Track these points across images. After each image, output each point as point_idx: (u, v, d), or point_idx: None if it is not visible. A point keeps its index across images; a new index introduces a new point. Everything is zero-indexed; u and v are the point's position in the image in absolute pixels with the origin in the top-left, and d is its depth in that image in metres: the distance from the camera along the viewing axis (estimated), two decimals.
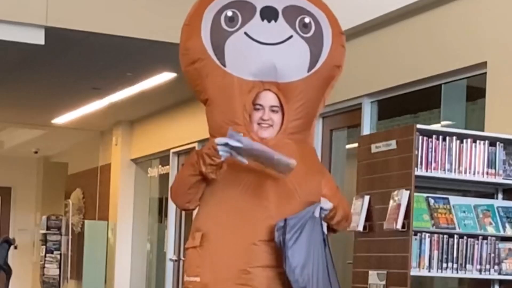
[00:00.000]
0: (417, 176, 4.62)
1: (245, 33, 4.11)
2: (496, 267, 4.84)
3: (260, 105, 4.06)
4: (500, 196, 5.06)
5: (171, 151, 10.71)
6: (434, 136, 4.73)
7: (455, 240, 4.73)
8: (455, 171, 4.76)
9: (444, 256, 4.71)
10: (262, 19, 4.13)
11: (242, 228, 3.88)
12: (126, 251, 12.00)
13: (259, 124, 4.05)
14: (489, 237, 4.82)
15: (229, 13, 4.14)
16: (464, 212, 4.79)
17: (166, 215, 11.01)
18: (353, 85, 6.54)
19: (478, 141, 4.82)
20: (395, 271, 4.63)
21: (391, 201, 4.67)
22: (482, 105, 5.41)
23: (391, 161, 4.75)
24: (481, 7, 5.45)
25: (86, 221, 12.96)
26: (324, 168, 4.22)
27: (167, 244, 10.65)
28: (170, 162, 10.75)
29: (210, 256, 3.91)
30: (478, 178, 4.83)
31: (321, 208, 3.89)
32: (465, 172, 4.79)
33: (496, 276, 4.87)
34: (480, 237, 4.80)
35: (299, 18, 4.18)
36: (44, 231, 14.12)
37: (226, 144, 3.82)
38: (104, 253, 12.31)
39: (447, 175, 4.75)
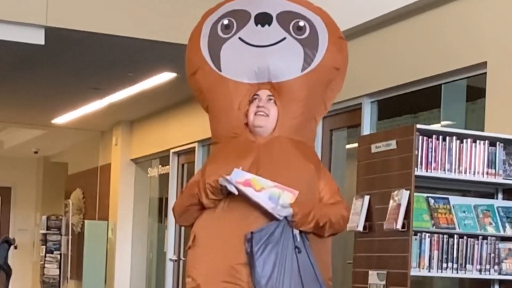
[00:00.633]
0: (417, 176, 4.62)
1: (239, 38, 4.23)
2: (496, 267, 4.84)
3: (257, 95, 4.15)
4: (500, 196, 5.06)
5: (171, 151, 10.71)
6: (434, 136, 4.73)
7: (455, 240, 4.73)
8: (455, 171, 4.76)
9: (444, 256, 4.71)
10: (256, 24, 4.24)
11: (229, 229, 3.94)
12: (126, 251, 12.00)
13: (255, 113, 4.12)
14: (489, 237, 4.82)
15: (225, 21, 4.29)
16: (464, 212, 4.79)
17: (166, 215, 11.01)
18: (353, 85, 6.53)
19: (478, 141, 4.81)
20: (395, 271, 4.63)
21: (391, 201, 4.67)
22: (482, 105, 5.41)
23: (391, 161, 4.75)
24: (481, 7, 5.45)
25: (86, 221, 12.96)
26: (323, 170, 4.19)
27: (167, 244, 10.65)
28: (170, 162, 10.75)
29: (199, 256, 3.99)
30: (478, 178, 4.83)
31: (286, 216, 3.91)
32: (465, 172, 4.78)
33: (496, 276, 4.87)
34: (480, 237, 4.80)
35: (293, 22, 4.25)
36: (44, 231, 14.12)
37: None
38: (104, 253, 12.31)
39: (447, 175, 4.75)
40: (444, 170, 4.74)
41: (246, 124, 4.16)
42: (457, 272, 4.74)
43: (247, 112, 4.14)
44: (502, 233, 4.85)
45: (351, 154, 6.83)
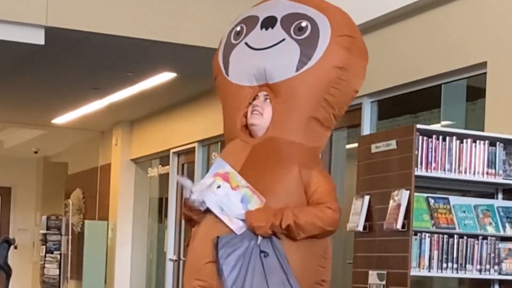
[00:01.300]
0: (417, 176, 4.62)
1: (245, 43, 4.33)
2: (496, 267, 4.84)
3: (257, 95, 4.22)
4: (500, 196, 5.06)
5: (171, 151, 10.71)
6: (434, 136, 4.73)
7: (455, 240, 4.73)
8: (455, 171, 4.76)
9: (444, 256, 4.71)
10: (261, 28, 4.32)
11: (205, 230, 4.03)
12: (126, 251, 12.00)
13: (252, 112, 4.19)
14: (489, 237, 4.82)
15: (238, 28, 4.41)
16: (464, 212, 4.79)
17: (166, 215, 11.01)
18: None
19: (478, 141, 4.81)
20: (395, 271, 4.63)
21: (391, 201, 4.67)
22: (482, 105, 5.41)
23: (391, 161, 4.75)
24: (481, 7, 5.45)
25: (86, 221, 12.96)
26: (316, 171, 4.13)
27: (167, 244, 10.65)
28: (170, 162, 10.75)
29: (186, 255, 4.17)
30: (478, 178, 4.82)
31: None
32: (465, 172, 4.78)
33: (496, 276, 4.87)
34: (480, 237, 4.80)
35: (296, 22, 4.27)
36: (44, 231, 14.12)
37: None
38: (104, 253, 12.31)
39: (447, 175, 4.75)
40: (444, 170, 4.73)
41: (246, 126, 4.23)
42: (457, 272, 4.74)
43: (246, 113, 4.22)
44: (502, 233, 4.85)
45: (351, 154, 6.83)
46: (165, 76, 8.92)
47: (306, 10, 4.31)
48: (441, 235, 4.70)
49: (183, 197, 4.12)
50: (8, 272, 9.68)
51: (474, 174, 4.80)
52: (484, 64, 5.34)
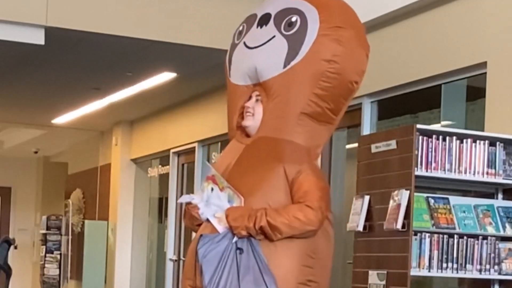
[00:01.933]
0: (417, 176, 4.62)
1: (244, 42, 4.34)
2: (496, 267, 4.84)
3: (250, 97, 4.23)
4: (500, 196, 5.06)
5: (171, 151, 10.71)
6: (434, 136, 4.73)
7: (455, 240, 4.73)
8: (455, 171, 4.76)
9: (444, 256, 4.71)
10: (257, 26, 4.31)
11: (203, 231, 4.07)
12: (126, 251, 12.00)
13: (244, 113, 4.22)
14: (489, 237, 4.82)
15: (240, 28, 4.42)
16: (464, 212, 4.79)
17: (166, 215, 11.01)
18: None
19: (478, 141, 4.81)
20: (395, 271, 4.63)
21: (391, 201, 4.67)
22: (482, 105, 5.41)
23: (391, 161, 4.75)
24: (481, 7, 5.45)
25: (86, 221, 12.96)
26: (305, 169, 4.04)
27: (167, 244, 10.65)
28: (170, 162, 10.75)
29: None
30: (478, 178, 4.82)
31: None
32: (465, 172, 4.78)
33: (496, 276, 4.87)
34: (480, 237, 4.80)
35: (286, 18, 4.22)
36: (44, 231, 14.11)
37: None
38: (104, 253, 12.31)
39: (447, 175, 4.75)
40: (444, 170, 4.73)
41: (240, 126, 4.26)
42: (457, 272, 4.74)
43: (242, 114, 4.25)
44: (502, 233, 4.85)
45: (351, 154, 6.83)
46: (165, 76, 8.92)
47: (299, 4, 4.22)
48: (441, 235, 4.70)
49: (186, 205, 4.18)
50: (8, 272, 9.68)
51: (474, 174, 4.80)
52: (484, 64, 5.34)
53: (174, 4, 7.28)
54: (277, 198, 3.98)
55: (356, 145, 5.28)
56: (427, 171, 4.69)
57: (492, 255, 4.82)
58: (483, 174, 4.82)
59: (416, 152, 4.65)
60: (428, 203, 4.71)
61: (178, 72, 8.67)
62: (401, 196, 4.59)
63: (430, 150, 4.70)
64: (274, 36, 4.19)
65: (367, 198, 4.88)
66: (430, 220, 4.68)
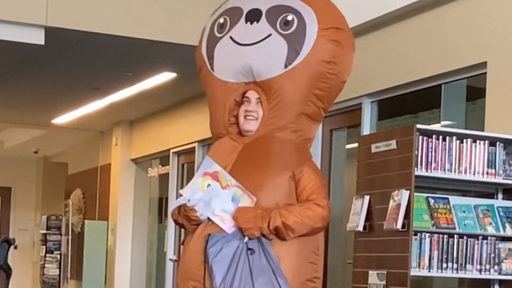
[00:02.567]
0: (417, 176, 4.62)
1: (230, 37, 4.23)
2: (496, 267, 4.83)
3: (247, 97, 4.16)
4: (500, 196, 5.06)
5: (171, 151, 10.71)
6: (434, 136, 4.72)
7: (455, 240, 4.73)
8: (455, 171, 4.76)
9: (444, 256, 4.71)
10: (246, 22, 4.21)
11: (201, 229, 4.04)
12: (126, 251, 12.00)
13: (245, 116, 4.14)
14: (489, 237, 4.82)
15: (221, 20, 4.31)
16: (464, 212, 4.79)
17: (166, 215, 11.01)
18: (353, 85, 6.52)
19: (478, 141, 4.81)
20: (395, 271, 4.63)
21: (391, 201, 4.67)
22: (482, 105, 5.41)
23: (391, 161, 4.75)
24: (481, 7, 5.45)
25: (86, 221, 12.96)
26: (307, 167, 4.09)
27: (167, 244, 10.65)
28: (170, 162, 10.75)
29: (181, 256, 4.17)
30: (478, 178, 4.82)
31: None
32: (465, 172, 4.78)
33: (496, 276, 4.87)
34: (480, 237, 4.80)
35: (281, 16, 4.18)
36: (44, 231, 14.11)
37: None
38: (104, 253, 12.31)
39: (447, 175, 4.75)
40: (444, 170, 4.73)
41: (233, 124, 4.21)
42: (457, 272, 4.74)
43: (237, 113, 4.17)
44: (502, 233, 4.85)
45: (351, 154, 6.82)
46: (165, 76, 8.92)
47: (291, 2, 4.21)
48: (441, 235, 4.70)
49: (180, 205, 4.09)
50: (8, 272, 9.68)
51: (474, 174, 4.80)
52: (484, 64, 5.34)
53: (174, 4, 7.28)
54: (285, 197, 4.00)
55: (356, 145, 5.28)
56: (427, 171, 4.69)
57: (492, 255, 4.82)
58: (483, 174, 4.82)
59: (416, 152, 4.65)
60: (428, 203, 4.71)
61: (178, 72, 8.67)
62: (401, 196, 4.59)
63: (430, 150, 4.70)
64: (270, 35, 4.15)
65: (367, 198, 4.88)
66: (430, 220, 4.68)
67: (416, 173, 4.62)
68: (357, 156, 5.10)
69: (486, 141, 4.84)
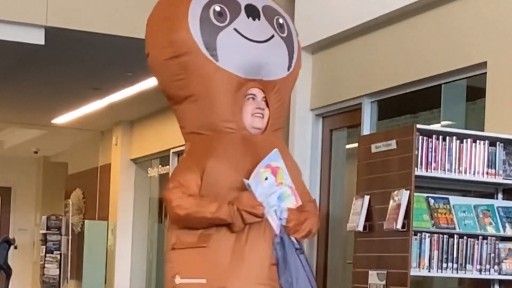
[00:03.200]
0: (417, 176, 4.62)
1: (235, 29, 4.10)
2: (496, 267, 4.83)
3: (253, 95, 4.10)
4: (500, 196, 5.06)
5: (171, 151, 10.71)
6: (434, 136, 4.72)
7: (455, 240, 4.73)
8: (455, 171, 4.75)
9: (444, 256, 4.70)
10: (248, 16, 4.15)
11: (265, 231, 3.98)
12: (126, 251, 12.00)
13: (253, 114, 4.09)
14: (489, 237, 4.82)
15: (217, 8, 4.09)
16: (464, 212, 4.79)
17: (166, 215, 10.97)
18: (353, 85, 6.54)
19: (478, 141, 4.81)
20: (395, 271, 4.63)
21: (391, 201, 4.67)
22: (482, 105, 5.40)
23: (391, 161, 4.75)
24: (481, 7, 5.45)
25: (86, 221, 12.96)
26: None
27: None
28: (170, 162, 10.75)
29: (220, 258, 3.92)
30: (478, 178, 4.82)
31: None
32: (465, 172, 4.78)
33: (496, 276, 4.86)
34: (480, 237, 4.80)
35: (275, 18, 4.25)
36: (44, 231, 14.12)
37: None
38: (104, 253, 12.31)
39: (447, 175, 4.75)
40: (444, 170, 4.73)
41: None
42: (457, 272, 4.74)
43: (242, 109, 4.09)
44: (502, 233, 4.85)
45: (351, 154, 6.82)
46: None
47: (273, 4, 4.33)
48: (441, 235, 4.70)
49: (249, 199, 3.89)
50: (8, 272, 9.69)
51: (474, 174, 4.80)
52: (484, 64, 5.34)
53: None
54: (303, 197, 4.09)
55: (356, 145, 5.28)
56: (427, 171, 4.69)
57: (492, 255, 4.82)
58: (483, 174, 4.82)
59: (416, 152, 4.65)
60: (428, 203, 4.71)
61: None
62: (401, 196, 4.59)
63: (430, 150, 4.70)
64: (273, 35, 4.20)
65: (367, 198, 4.88)
66: (430, 220, 4.68)
67: (416, 173, 4.62)
68: (357, 156, 5.10)
69: (486, 141, 4.84)
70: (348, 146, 7.18)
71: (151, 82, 9.20)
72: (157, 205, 11.98)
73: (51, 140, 14.16)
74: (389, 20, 6.17)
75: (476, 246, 4.78)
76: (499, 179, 4.88)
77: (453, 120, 6.06)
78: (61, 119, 11.88)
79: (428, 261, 4.67)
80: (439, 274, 4.73)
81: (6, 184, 16.31)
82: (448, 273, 4.73)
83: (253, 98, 4.11)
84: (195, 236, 3.94)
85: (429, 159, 4.70)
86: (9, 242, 9.87)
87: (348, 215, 5.05)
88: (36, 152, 15.61)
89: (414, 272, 4.62)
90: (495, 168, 4.85)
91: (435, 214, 4.70)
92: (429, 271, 4.68)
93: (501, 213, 4.88)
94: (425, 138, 4.70)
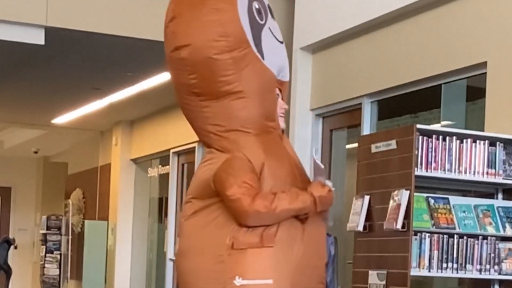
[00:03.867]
0: (417, 176, 4.62)
1: (269, 28, 3.99)
2: (496, 267, 4.84)
3: (278, 95, 4.00)
4: (500, 196, 5.06)
5: (171, 151, 10.71)
6: (434, 136, 4.72)
7: (455, 240, 4.73)
8: (455, 171, 4.76)
9: (444, 256, 4.71)
10: (271, 17, 4.07)
11: (317, 228, 3.93)
12: (126, 251, 12.00)
13: (279, 115, 4.01)
14: (489, 237, 4.82)
15: (257, 5, 3.94)
16: (464, 212, 4.79)
17: (166, 215, 11.01)
18: (353, 85, 6.54)
19: (478, 141, 4.81)
20: (395, 271, 4.63)
21: (391, 201, 4.67)
22: (482, 105, 5.41)
23: (391, 161, 4.75)
24: (481, 7, 5.45)
25: (86, 221, 12.96)
26: None
27: (167, 244, 10.65)
28: (170, 162, 10.75)
29: (279, 257, 3.77)
30: (478, 178, 4.82)
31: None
32: (465, 172, 4.78)
33: (496, 276, 4.87)
34: (480, 237, 4.80)
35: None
36: (44, 231, 14.13)
37: None
38: (104, 253, 12.31)
39: (447, 175, 4.75)
40: (444, 170, 4.73)
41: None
42: (457, 272, 4.74)
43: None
44: (502, 233, 4.85)
45: (351, 154, 6.83)
46: (165, 76, 8.91)
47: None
48: (441, 235, 4.70)
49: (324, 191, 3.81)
50: (8, 272, 9.69)
51: (474, 174, 4.80)
52: (484, 64, 5.34)
53: None
54: None
55: (356, 145, 5.28)
56: (427, 171, 4.69)
57: (492, 255, 4.82)
58: (483, 174, 4.82)
59: (416, 152, 4.65)
60: (428, 203, 4.71)
61: None
62: (401, 196, 4.59)
63: (430, 150, 4.70)
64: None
65: (367, 198, 4.88)
66: (430, 220, 4.68)
67: (416, 173, 4.62)
68: (357, 156, 5.10)
69: (486, 141, 4.84)
70: (348, 146, 7.18)
71: (151, 82, 9.21)
72: (157, 205, 11.98)
73: (51, 140, 14.16)
74: (389, 20, 6.17)
75: (476, 246, 4.78)
76: (499, 179, 4.88)
77: (453, 120, 6.06)
78: (61, 119, 11.89)
79: (428, 261, 4.67)
80: (439, 274, 4.73)
81: (6, 184, 16.32)
82: (448, 273, 4.73)
83: (278, 98, 4.05)
84: (257, 236, 3.70)
85: (429, 159, 4.70)
86: (9, 242, 9.87)
87: (348, 215, 5.05)
88: (36, 152, 15.61)
89: (414, 272, 4.62)
90: (495, 168, 4.85)
91: (435, 214, 4.70)
92: (429, 271, 4.68)
93: (501, 213, 4.88)
94: (425, 138, 4.70)
